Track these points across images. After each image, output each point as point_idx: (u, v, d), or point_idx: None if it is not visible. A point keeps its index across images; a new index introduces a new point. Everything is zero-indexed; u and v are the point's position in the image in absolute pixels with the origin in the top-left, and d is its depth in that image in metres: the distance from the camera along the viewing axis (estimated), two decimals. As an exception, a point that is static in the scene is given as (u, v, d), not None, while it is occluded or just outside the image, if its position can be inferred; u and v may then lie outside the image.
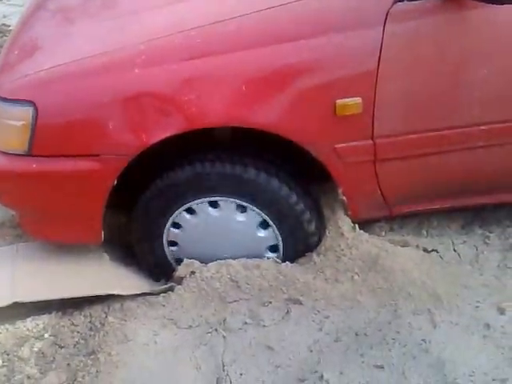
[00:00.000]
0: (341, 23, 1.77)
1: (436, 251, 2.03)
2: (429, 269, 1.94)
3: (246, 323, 1.90)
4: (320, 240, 2.08)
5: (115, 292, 2.00)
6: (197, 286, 2.02)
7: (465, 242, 2.06)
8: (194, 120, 1.82)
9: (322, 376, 1.67)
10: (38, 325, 1.95)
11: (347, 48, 1.76)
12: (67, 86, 1.86)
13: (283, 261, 2.07)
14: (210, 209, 2.03)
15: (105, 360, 1.85)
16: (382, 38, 1.72)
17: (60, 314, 2.01)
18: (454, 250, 2.03)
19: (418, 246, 2.05)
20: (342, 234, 2.04)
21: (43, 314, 1.99)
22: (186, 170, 1.96)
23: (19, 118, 1.89)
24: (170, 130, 1.82)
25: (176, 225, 2.09)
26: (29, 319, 1.96)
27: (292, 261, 2.08)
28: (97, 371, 1.82)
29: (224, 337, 1.87)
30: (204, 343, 1.86)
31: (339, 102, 1.77)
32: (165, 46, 1.84)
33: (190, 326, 1.93)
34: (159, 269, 2.20)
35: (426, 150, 1.87)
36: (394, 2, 1.71)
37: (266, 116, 1.82)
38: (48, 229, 2.13)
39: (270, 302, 1.94)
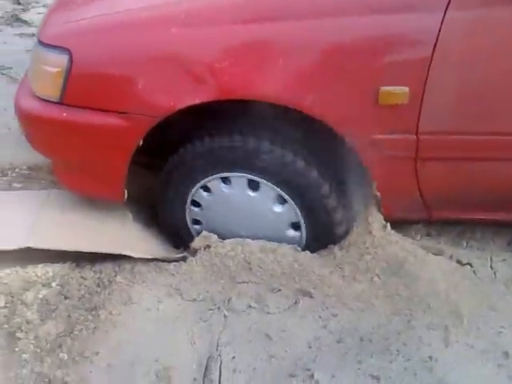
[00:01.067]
0: (397, 2, 1.65)
1: (470, 265, 1.89)
2: (458, 283, 1.81)
3: (250, 306, 1.85)
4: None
5: (126, 253, 2.01)
6: (209, 260, 1.99)
7: (505, 260, 1.90)
8: (226, 90, 1.76)
9: (312, 375, 1.60)
10: (47, 272, 1.99)
11: (400, 30, 1.65)
12: (104, 38, 1.86)
13: (306, 247, 2.02)
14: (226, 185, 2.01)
15: (105, 318, 1.86)
16: (442, 23, 1.58)
17: (72, 265, 2.04)
18: (491, 267, 1.87)
19: (451, 257, 1.92)
20: (370, 232, 1.94)
21: (56, 262, 2.03)
22: (204, 143, 1.93)
23: (55, 64, 1.90)
24: (200, 96, 1.78)
25: (195, 202, 2.10)
26: (40, 265, 2.00)
27: (314, 250, 2.01)
28: (94, 327, 1.83)
29: (225, 316, 1.83)
30: (204, 319, 1.83)
31: (384, 89, 1.66)
32: (208, 7, 1.80)
33: (195, 300, 1.90)
34: (178, 236, 2.20)
35: (476, 154, 1.74)
36: (461, -14, 1.58)
37: (301, 94, 1.73)
38: (75, 180, 2.16)
39: (280, 290, 1.88)
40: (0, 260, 1.99)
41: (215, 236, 2.07)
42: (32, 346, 1.78)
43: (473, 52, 1.62)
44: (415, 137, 1.71)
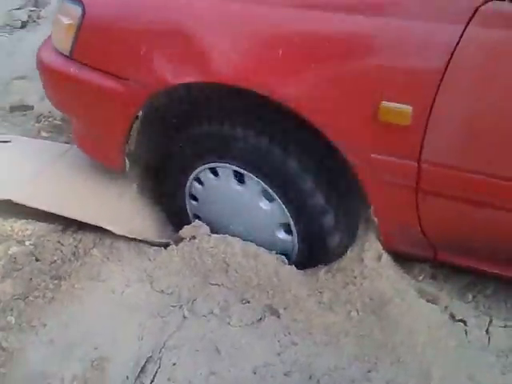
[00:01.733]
0: (415, 6, 1.41)
1: (464, 323, 1.62)
2: (441, 339, 1.56)
3: (212, 313, 1.71)
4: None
5: (107, 227, 1.93)
6: (189, 253, 1.86)
7: (506, 327, 1.61)
8: (216, 73, 1.61)
9: (240, 406, 1.45)
10: (26, 229, 1.95)
11: (411, 38, 1.40)
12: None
13: (298, 254, 1.85)
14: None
15: (66, 290, 1.80)
16: (460, 38, 1.33)
17: (54, 227, 1.99)
18: (487, 332, 1.60)
19: (446, 308, 1.65)
20: (362, 260, 1.72)
21: (38, 221, 1.99)
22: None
23: (69, 16, 1.85)
24: (194, 76, 1.64)
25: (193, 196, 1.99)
26: (21, 222, 1.97)
27: (307, 262, 1.84)
28: (52, 297, 1.78)
29: (184, 317, 1.71)
30: (162, 315, 1.72)
31: (385, 104, 1.43)
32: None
33: (162, 291, 1.79)
34: (177, 218, 2.09)
35: (485, 198, 1.46)
36: (489, 0, 1.32)
37: (294, 91, 1.54)
38: (83, 140, 2.11)
39: (249, 302, 1.72)
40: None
41: (205, 228, 1.93)
42: (-15, 304, 1.76)
43: (490, 80, 1.36)
44: (417, 164, 1.47)
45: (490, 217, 1.50)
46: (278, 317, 1.67)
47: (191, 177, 1.92)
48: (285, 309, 1.69)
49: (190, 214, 2.04)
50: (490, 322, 1.62)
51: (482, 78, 1.36)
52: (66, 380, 1.56)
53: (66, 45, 1.88)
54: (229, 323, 1.68)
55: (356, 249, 1.76)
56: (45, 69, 2.01)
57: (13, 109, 2.77)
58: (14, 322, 1.71)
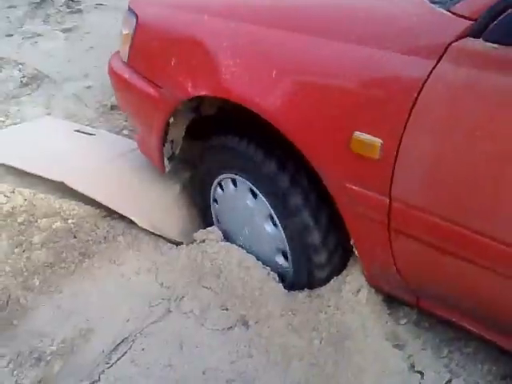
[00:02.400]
0: (390, 38, 1.41)
1: (422, 376, 1.57)
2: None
3: (192, 312, 1.85)
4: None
5: (132, 218, 2.16)
6: (194, 255, 2.03)
7: None
8: (220, 89, 1.74)
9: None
10: (73, 210, 2.24)
11: (385, 70, 1.40)
12: (162, 11, 1.99)
13: (293, 281, 1.92)
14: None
15: (86, 267, 2.06)
16: (429, 75, 1.31)
17: (94, 211, 2.25)
18: None
19: (410, 357, 1.62)
20: (340, 291, 1.74)
21: (84, 204, 2.27)
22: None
23: (127, 26, 2.11)
24: (207, 89, 1.79)
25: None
26: (70, 202, 2.26)
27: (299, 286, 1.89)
28: (73, 271, 2.05)
29: (169, 311, 1.87)
30: (151, 305, 1.90)
31: (357, 135, 1.44)
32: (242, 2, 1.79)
33: (161, 284, 1.98)
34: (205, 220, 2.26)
35: (453, 249, 1.39)
36: (463, 37, 1.28)
37: (280, 111, 1.61)
38: (139, 140, 2.36)
39: (227, 309, 1.84)
40: (44, 185, 2.32)
41: (217, 234, 2.08)
42: (22, 263, 2.07)
43: (455, 122, 1.30)
44: (388, 200, 1.45)
45: (458, 268, 1.43)
46: (247, 329, 1.77)
47: (215, 182, 2.08)
48: (256, 322, 1.78)
49: (214, 218, 2.19)
50: (450, 381, 1.56)
51: (448, 118, 1.31)
52: (55, 341, 1.81)
53: (124, 53, 2.15)
54: (203, 324, 1.82)
55: (339, 278, 1.78)
56: (111, 74, 2.29)
57: (113, 107, 3.13)
58: (37, 284, 2.00)
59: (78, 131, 2.80)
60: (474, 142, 1.28)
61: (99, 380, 1.67)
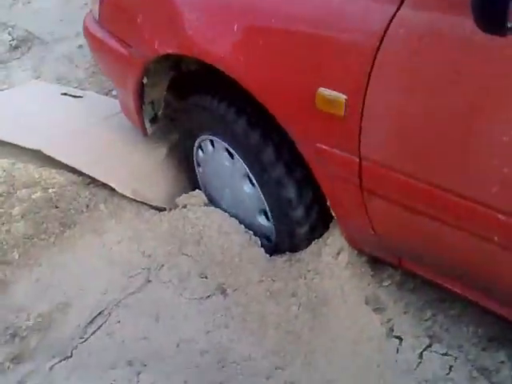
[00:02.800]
0: None
1: (400, 341, 1.50)
2: (366, 354, 1.47)
3: (171, 281, 1.80)
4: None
5: (112, 184, 2.09)
6: (176, 220, 1.97)
7: (447, 354, 1.45)
8: (184, 45, 1.65)
9: (139, 373, 1.54)
10: (53, 178, 2.17)
11: (348, 16, 1.28)
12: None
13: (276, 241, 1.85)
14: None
15: (67, 237, 2.01)
16: (391, 21, 1.19)
17: (75, 179, 2.18)
18: (420, 355, 1.46)
19: (389, 321, 1.54)
20: (319, 255, 1.66)
21: (66, 171, 2.21)
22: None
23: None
24: (172, 47, 1.70)
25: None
26: (50, 170, 2.19)
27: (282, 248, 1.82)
28: (53, 242, 2.00)
29: (148, 281, 1.83)
30: (130, 275, 1.85)
31: (321, 91, 1.34)
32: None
33: (143, 253, 1.92)
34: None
35: (423, 208, 1.30)
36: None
37: (242, 65, 1.52)
38: (120, 101, 2.28)
39: (206, 277, 1.79)
40: (24, 154, 2.26)
41: (201, 198, 2.03)
42: (2, 236, 2.03)
43: (418, 72, 1.19)
44: (358, 160, 1.36)
45: (430, 227, 1.33)
46: (225, 297, 1.72)
47: (196, 145, 2.00)
48: (234, 290, 1.73)
49: (200, 182, 2.12)
50: (429, 346, 1.48)
51: (410, 69, 1.20)
52: (32, 316, 1.78)
53: (95, 11, 2.06)
54: (181, 294, 1.77)
55: (319, 242, 1.70)
56: (86, 34, 2.20)
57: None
58: (17, 257, 1.98)
59: (65, 94, 2.74)
60: (439, 95, 1.17)
61: (71, 356, 1.64)
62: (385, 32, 1.20)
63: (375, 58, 1.22)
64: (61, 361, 1.63)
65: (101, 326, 1.73)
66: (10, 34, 3.42)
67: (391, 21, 1.20)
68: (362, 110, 1.28)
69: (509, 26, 0.94)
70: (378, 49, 1.22)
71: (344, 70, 1.30)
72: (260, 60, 1.49)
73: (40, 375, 1.61)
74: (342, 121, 1.34)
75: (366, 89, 1.26)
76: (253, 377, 1.48)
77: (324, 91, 1.33)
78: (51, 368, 1.62)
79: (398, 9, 1.19)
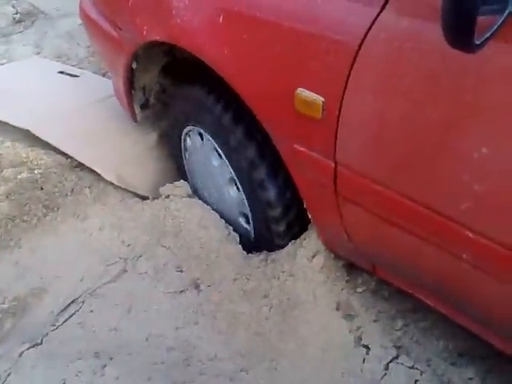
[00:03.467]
0: None
1: (367, 349, 1.47)
2: (332, 362, 1.45)
3: (147, 273, 1.79)
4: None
5: (97, 169, 2.07)
6: (158, 211, 1.95)
7: (414, 367, 1.42)
8: (171, 34, 1.61)
9: (105, 366, 1.53)
10: (41, 159, 2.16)
11: (330, 16, 1.23)
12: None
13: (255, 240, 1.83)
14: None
15: (49, 221, 2.00)
16: (372, 24, 1.14)
17: (62, 161, 2.16)
18: (386, 367, 1.43)
19: (358, 329, 1.51)
20: (294, 257, 1.64)
21: (55, 153, 2.19)
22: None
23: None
24: (159, 34, 1.66)
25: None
26: (37, 151, 2.18)
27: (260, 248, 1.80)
28: (35, 225, 1.99)
29: (125, 271, 1.81)
30: (107, 264, 1.84)
31: (299, 92, 1.29)
32: None
33: (123, 242, 1.90)
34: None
35: (394, 218, 1.26)
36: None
37: (225, 58, 1.47)
38: (112, 83, 2.25)
39: (182, 271, 1.77)
40: (13, 131, 2.25)
41: (184, 189, 2.00)
42: (-17, 217, 2.03)
43: (396, 78, 1.14)
44: (333, 164, 1.32)
45: (403, 239, 1.29)
46: (198, 293, 1.70)
47: (184, 132, 1.96)
48: (208, 286, 1.71)
49: (186, 169, 2.09)
50: (396, 357, 1.46)
51: (389, 75, 1.15)
52: (7, 299, 1.78)
53: (89, -5, 2.02)
54: (155, 287, 1.75)
55: (296, 243, 1.67)
56: (81, 14, 2.17)
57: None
58: (-3, 238, 1.98)
59: (61, 73, 2.71)
60: (416, 104, 1.12)
61: (41, 343, 1.63)
62: (365, 35, 1.15)
63: (354, 60, 1.17)
64: (30, 347, 1.62)
65: (73, 314, 1.71)
66: (13, 6, 3.39)
67: (372, 24, 1.15)
68: (339, 114, 1.24)
69: (477, 43, 0.90)
70: (358, 52, 1.16)
71: (323, 71, 1.25)
72: (244, 54, 1.44)
73: (9, 361, 1.60)
74: (318, 124, 1.29)
75: (344, 92, 1.21)
76: (216, 377, 1.47)
77: (302, 92, 1.29)
78: (20, 354, 1.61)
79: (380, 12, 1.14)
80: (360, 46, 1.16)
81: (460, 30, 0.88)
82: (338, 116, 1.24)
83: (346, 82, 1.20)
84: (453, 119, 1.08)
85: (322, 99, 1.26)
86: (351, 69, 1.19)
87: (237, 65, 1.47)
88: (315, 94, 1.27)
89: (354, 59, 1.18)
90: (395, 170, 1.21)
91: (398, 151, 1.19)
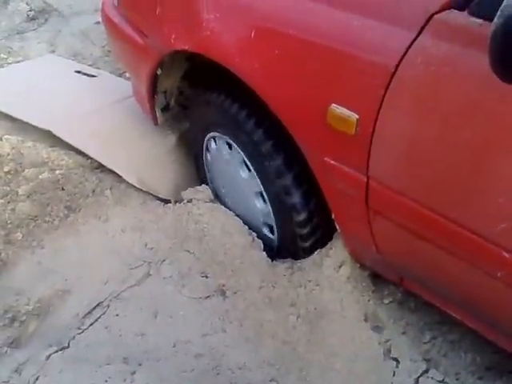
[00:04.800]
0: (375, 6, 1.17)
1: (397, 363, 1.41)
2: (362, 374, 1.38)
3: (171, 277, 1.71)
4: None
5: (119, 173, 1.99)
6: (180, 215, 1.87)
7: (444, 381, 1.36)
8: (200, 45, 1.53)
9: (134, 372, 1.46)
10: (62, 160, 2.07)
11: (366, 39, 1.18)
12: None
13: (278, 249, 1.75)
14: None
15: (71, 222, 1.92)
16: (409, 47, 1.09)
17: (83, 162, 2.07)
18: (416, 381, 1.37)
19: (387, 341, 1.45)
20: (320, 266, 1.57)
21: (76, 153, 2.10)
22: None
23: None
24: (188, 44, 1.58)
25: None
26: (58, 152, 2.09)
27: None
28: (58, 226, 1.90)
29: (147, 274, 1.73)
30: (132, 267, 1.76)
31: (333, 108, 1.24)
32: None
33: (145, 245, 1.82)
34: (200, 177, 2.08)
35: (426, 234, 1.21)
36: (447, 8, 1.04)
37: (256, 72, 1.41)
38: (133, 88, 2.16)
39: (207, 277, 1.69)
40: (34, 131, 2.15)
41: (206, 194, 1.92)
42: (7, 215, 1.93)
43: (433, 101, 1.09)
44: (365, 179, 1.26)
45: (434, 255, 1.24)
46: (224, 299, 1.63)
47: (206, 139, 1.88)
48: (233, 293, 1.64)
49: (207, 174, 2.01)
50: (426, 371, 1.40)
51: (425, 97, 1.10)
52: (31, 300, 1.69)
53: (115, -2, 1.93)
54: (180, 292, 1.68)
55: (322, 253, 1.61)
56: (103, 17, 2.08)
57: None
58: (20, 238, 1.88)
59: (78, 72, 2.61)
60: (452, 126, 1.08)
61: (68, 346, 1.55)
62: (402, 57, 1.10)
63: (390, 82, 1.13)
64: (57, 351, 1.55)
65: (99, 317, 1.63)
66: (27, 3, 3.26)
67: (409, 47, 1.10)
68: (373, 131, 1.19)
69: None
70: (394, 73, 1.12)
71: (359, 90, 1.20)
72: (275, 69, 1.38)
73: (36, 364, 1.52)
74: (352, 139, 1.24)
75: (379, 111, 1.16)
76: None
77: (336, 108, 1.24)
78: (48, 358, 1.54)
79: (418, 36, 1.09)
80: (396, 68, 1.12)
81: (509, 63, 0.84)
82: (372, 133, 1.19)
83: (382, 102, 1.15)
84: (490, 143, 1.04)
85: (357, 116, 1.20)
86: (387, 89, 1.14)
87: (268, 80, 1.41)
88: (349, 111, 1.22)
89: (391, 79, 1.13)
90: (430, 189, 1.16)
91: (433, 171, 1.14)
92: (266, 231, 1.77)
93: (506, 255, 1.08)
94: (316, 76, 1.30)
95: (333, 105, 1.24)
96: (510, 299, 1.17)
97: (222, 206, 1.86)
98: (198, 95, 1.84)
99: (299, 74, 1.33)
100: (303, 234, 1.61)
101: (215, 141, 1.84)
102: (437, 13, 1.06)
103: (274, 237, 1.74)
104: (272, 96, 1.42)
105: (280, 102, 1.41)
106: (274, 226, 1.70)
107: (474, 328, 1.35)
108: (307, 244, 1.64)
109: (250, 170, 1.68)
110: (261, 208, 1.71)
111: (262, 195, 1.67)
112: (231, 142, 1.72)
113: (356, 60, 1.20)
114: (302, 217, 1.57)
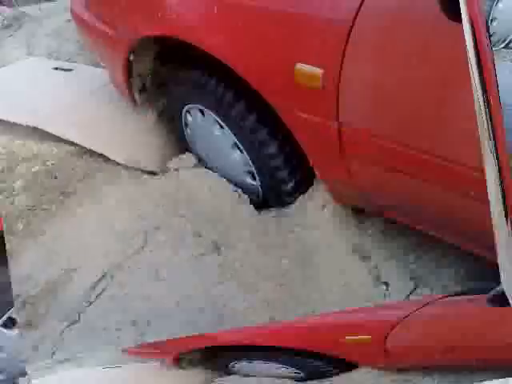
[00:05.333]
0: None
1: (387, 286, 1.44)
2: (356, 302, 1.42)
3: (167, 241, 1.73)
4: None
5: (107, 154, 2.00)
6: (169, 183, 1.89)
7: (421, 294, 1.40)
8: (166, 28, 1.55)
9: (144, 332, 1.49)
10: (52, 151, 2.08)
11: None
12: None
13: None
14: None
15: (67, 207, 1.92)
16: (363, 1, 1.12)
17: (73, 150, 2.07)
18: (407, 298, 1.40)
19: (375, 268, 1.48)
20: (305, 210, 1.60)
21: (64, 144, 2.10)
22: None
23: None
24: (155, 30, 1.60)
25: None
26: (48, 143, 2.08)
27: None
28: (55, 211, 1.93)
29: (144, 242, 1.75)
30: (128, 238, 1.77)
31: (298, 66, 1.29)
32: None
33: (139, 216, 1.82)
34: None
35: (401, 166, 1.26)
36: None
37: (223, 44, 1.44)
38: (109, 74, 2.16)
39: (200, 236, 1.72)
40: (21, 129, 2.16)
41: (190, 160, 1.93)
42: (6, 209, 1.96)
43: (392, 45, 1.14)
44: (337, 126, 1.30)
45: (409, 184, 1.29)
46: (219, 254, 1.66)
47: (184, 110, 1.89)
48: (226, 248, 1.66)
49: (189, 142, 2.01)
50: (415, 289, 1.43)
51: (383, 43, 1.15)
52: (40, 283, 1.73)
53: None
54: (177, 253, 1.70)
55: (305, 196, 1.63)
56: (73, 15, 2.10)
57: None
58: (21, 228, 1.91)
59: (56, 69, 2.61)
60: (412, 66, 1.13)
61: (79, 320, 1.60)
62: (358, 10, 1.14)
63: (349, 35, 1.17)
64: (69, 325, 1.59)
65: (104, 289, 1.67)
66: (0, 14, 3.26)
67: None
68: (339, 82, 1.23)
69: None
70: (352, 27, 1.15)
71: (320, 47, 1.24)
72: (241, 41, 1.41)
73: (52, 339, 1.57)
74: (320, 92, 1.28)
75: (342, 63, 1.21)
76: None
77: (302, 67, 1.28)
78: (61, 332, 1.58)
79: None
80: (354, 18, 1.15)
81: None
82: (339, 84, 1.23)
83: (343, 54, 1.19)
84: (446, 76, 1.10)
85: (322, 71, 1.25)
86: (347, 42, 1.18)
87: (235, 51, 1.44)
88: (314, 67, 1.26)
89: (349, 33, 1.17)
90: (398, 125, 1.22)
91: (400, 108, 1.19)
92: (249, 179, 1.78)
93: (476, 174, 1.12)
94: (279, 41, 1.33)
95: (298, 64, 1.28)
96: (484, 214, 1.21)
97: (207, 170, 1.89)
98: (171, 73, 1.86)
99: (263, 42, 1.37)
100: (283, 178, 1.64)
101: (190, 112, 1.86)
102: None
103: (256, 182, 1.76)
104: (241, 66, 1.44)
105: (250, 71, 1.44)
106: (255, 172, 1.72)
107: (453, 243, 1.39)
108: (288, 187, 1.66)
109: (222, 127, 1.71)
110: (239, 159, 1.72)
111: (237, 146, 1.69)
112: (204, 108, 1.74)
113: (314, 20, 1.24)
114: (278, 162, 1.61)
